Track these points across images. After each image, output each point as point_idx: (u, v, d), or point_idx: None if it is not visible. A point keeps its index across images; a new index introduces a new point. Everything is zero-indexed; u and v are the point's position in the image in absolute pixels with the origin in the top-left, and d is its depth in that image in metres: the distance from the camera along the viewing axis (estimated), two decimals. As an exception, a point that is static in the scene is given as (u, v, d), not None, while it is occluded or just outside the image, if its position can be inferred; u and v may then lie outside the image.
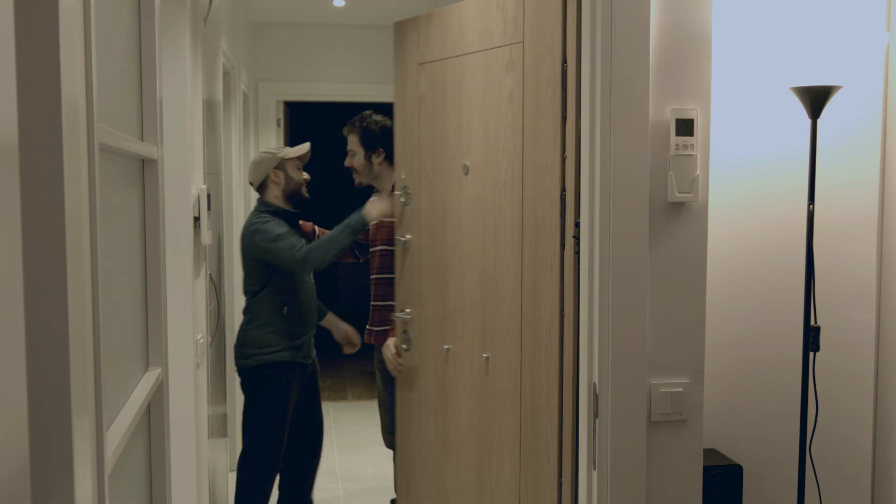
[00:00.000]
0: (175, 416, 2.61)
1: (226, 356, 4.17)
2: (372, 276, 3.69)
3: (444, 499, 3.14)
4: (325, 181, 8.13)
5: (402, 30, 3.24)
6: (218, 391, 3.76)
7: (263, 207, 3.66)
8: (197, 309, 2.91)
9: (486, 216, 2.84)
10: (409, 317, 3.27)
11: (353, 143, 3.71)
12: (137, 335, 1.60)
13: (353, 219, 3.54)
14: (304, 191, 3.71)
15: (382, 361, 3.81)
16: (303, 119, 7.77)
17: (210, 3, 3.25)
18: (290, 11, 5.76)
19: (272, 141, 6.11)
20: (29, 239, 0.84)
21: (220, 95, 3.90)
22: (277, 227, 3.55)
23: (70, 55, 0.92)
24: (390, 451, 4.03)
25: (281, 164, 3.65)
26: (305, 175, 3.73)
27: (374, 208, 3.53)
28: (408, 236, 3.24)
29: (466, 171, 2.92)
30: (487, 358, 2.84)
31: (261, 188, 3.70)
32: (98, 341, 1.04)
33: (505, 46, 2.73)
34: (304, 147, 3.74)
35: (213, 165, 3.65)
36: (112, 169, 1.37)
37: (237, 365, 3.69)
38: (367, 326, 3.75)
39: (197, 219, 2.89)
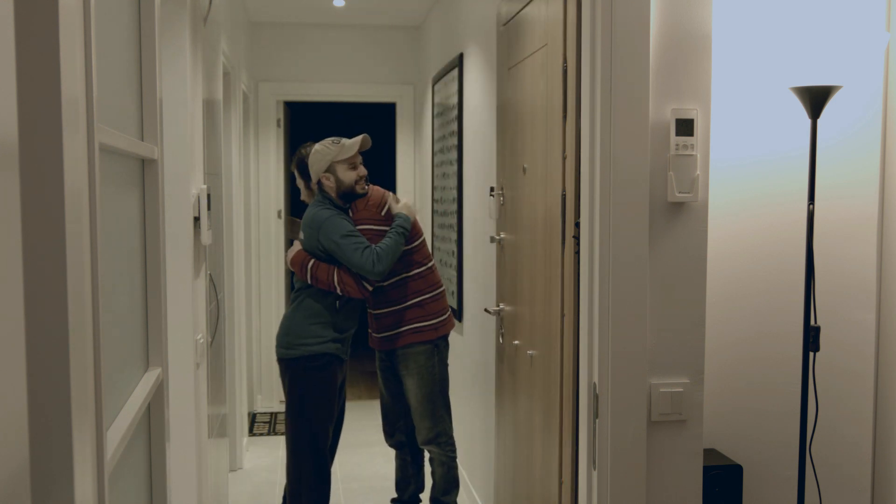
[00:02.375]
0: (175, 416, 2.61)
1: (226, 356, 4.17)
2: None
3: (513, 487, 3.23)
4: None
5: (501, 34, 3.32)
6: (218, 391, 3.75)
7: (325, 198, 3.59)
8: (197, 309, 2.91)
9: (532, 217, 2.88)
10: (500, 312, 3.37)
11: (297, 176, 3.79)
12: (137, 335, 1.59)
13: (400, 221, 3.54)
14: (358, 187, 3.59)
15: (383, 361, 3.83)
16: (303, 119, 7.77)
17: (210, 3, 3.25)
18: (290, 11, 5.75)
19: (272, 141, 6.11)
20: (29, 239, 0.84)
21: (220, 95, 3.90)
22: (347, 223, 3.50)
23: (70, 55, 0.92)
24: (391, 451, 4.03)
25: (331, 168, 3.56)
26: (362, 171, 3.60)
27: (408, 208, 3.62)
28: (501, 235, 3.35)
29: (525, 172, 2.97)
30: (532, 356, 2.88)
31: (318, 183, 3.64)
32: (98, 341, 1.04)
33: (539, 50, 2.75)
34: (353, 148, 3.58)
35: (213, 165, 3.65)
36: (112, 169, 1.37)
37: (280, 355, 3.57)
38: (370, 332, 3.77)
39: (197, 219, 2.89)
